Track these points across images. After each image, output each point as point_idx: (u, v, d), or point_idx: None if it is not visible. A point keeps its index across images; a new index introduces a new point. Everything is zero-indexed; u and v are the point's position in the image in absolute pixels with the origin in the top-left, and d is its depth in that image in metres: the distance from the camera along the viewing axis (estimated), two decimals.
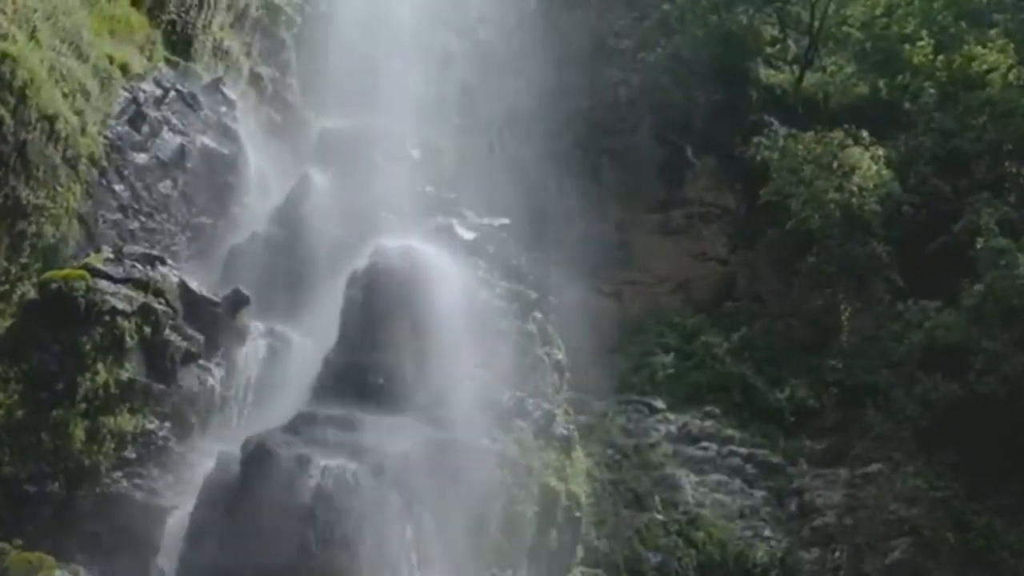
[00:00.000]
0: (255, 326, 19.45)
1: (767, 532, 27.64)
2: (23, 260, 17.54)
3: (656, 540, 25.81)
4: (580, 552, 20.88)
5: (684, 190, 36.89)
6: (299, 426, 16.13)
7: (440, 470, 16.24)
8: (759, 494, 28.79)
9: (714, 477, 28.82)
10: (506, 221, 22.34)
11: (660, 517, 26.50)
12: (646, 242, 36.46)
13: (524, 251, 30.12)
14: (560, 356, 22.34)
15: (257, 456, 15.54)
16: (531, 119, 35.13)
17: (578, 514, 20.13)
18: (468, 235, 20.08)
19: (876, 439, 29.73)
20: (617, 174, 36.25)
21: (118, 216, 19.69)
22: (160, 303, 17.55)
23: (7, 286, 17.27)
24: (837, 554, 27.32)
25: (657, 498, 27.10)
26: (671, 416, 31.13)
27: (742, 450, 30.15)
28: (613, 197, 36.28)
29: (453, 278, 18.59)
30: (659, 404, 31.52)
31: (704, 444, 30.20)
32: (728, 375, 32.51)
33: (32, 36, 17.95)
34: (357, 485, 14.99)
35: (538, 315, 21.39)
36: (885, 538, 27.27)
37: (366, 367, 17.13)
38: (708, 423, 31.01)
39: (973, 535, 26.52)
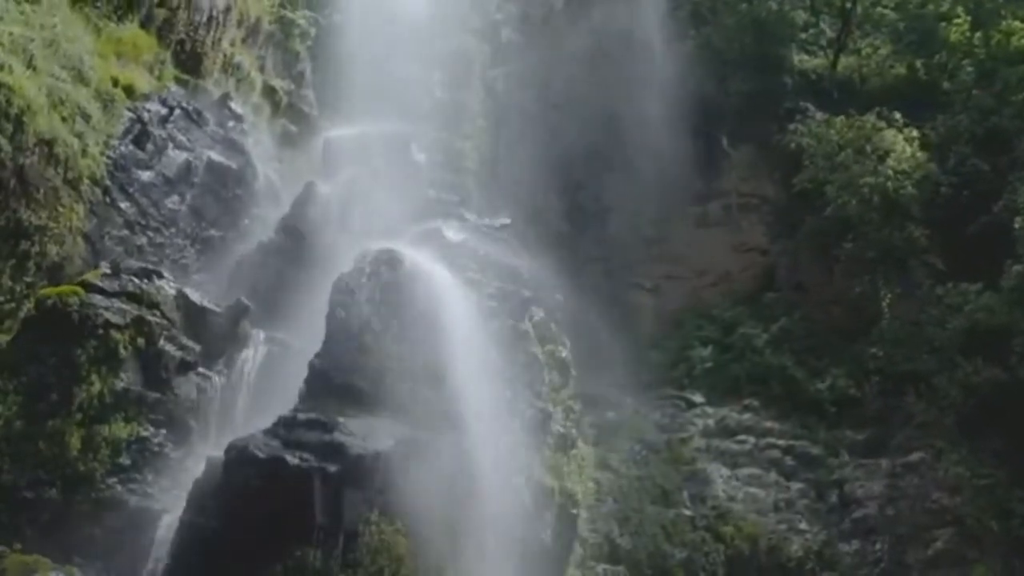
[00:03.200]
0: (256, 333, 20.04)
1: (803, 525, 27.18)
2: (28, 279, 18.41)
3: (682, 536, 25.59)
4: (578, 549, 20.85)
5: (721, 181, 36.43)
6: (280, 429, 16.57)
7: (416, 469, 16.54)
8: (796, 487, 28.34)
9: (747, 471, 28.44)
10: (507, 221, 22.45)
11: (688, 512, 26.29)
12: (684, 235, 36.12)
13: (548, 250, 30.45)
14: (564, 354, 22.41)
15: (237, 459, 16.04)
16: (561, 117, 35.28)
17: (574, 511, 20.14)
18: (457, 237, 20.26)
19: (918, 427, 29.02)
20: (653, 168, 35.84)
21: (124, 232, 20.49)
22: (154, 315, 18.32)
23: (13, 304, 18.15)
24: (878, 546, 26.78)
25: (686, 493, 26.88)
26: (709, 410, 30.83)
27: (781, 442, 29.69)
28: (650, 192, 35.94)
29: (437, 281, 18.82)
30: (697, 398, 31.25)
31: (741, 437, 29.85)
32: (768, 367, 32.02)
33: (30, 64, 18.80)
34: (323, 485, 15.36)
35: (538, 314, 21.49)
36: (927, 528, 26.61)
37: (348, 370, 17.52)
38: (746, 416, 30.63)
39: (1017, 523, 25.67)
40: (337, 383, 17.48)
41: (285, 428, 16.60)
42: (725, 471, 28.27)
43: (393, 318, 18.02)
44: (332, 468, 15.89)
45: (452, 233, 20.38)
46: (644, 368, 32.88)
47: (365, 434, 16.50)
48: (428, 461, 16.82)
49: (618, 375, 31.92)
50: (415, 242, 19.86)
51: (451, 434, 17.52)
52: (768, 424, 30.33)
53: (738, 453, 29.24)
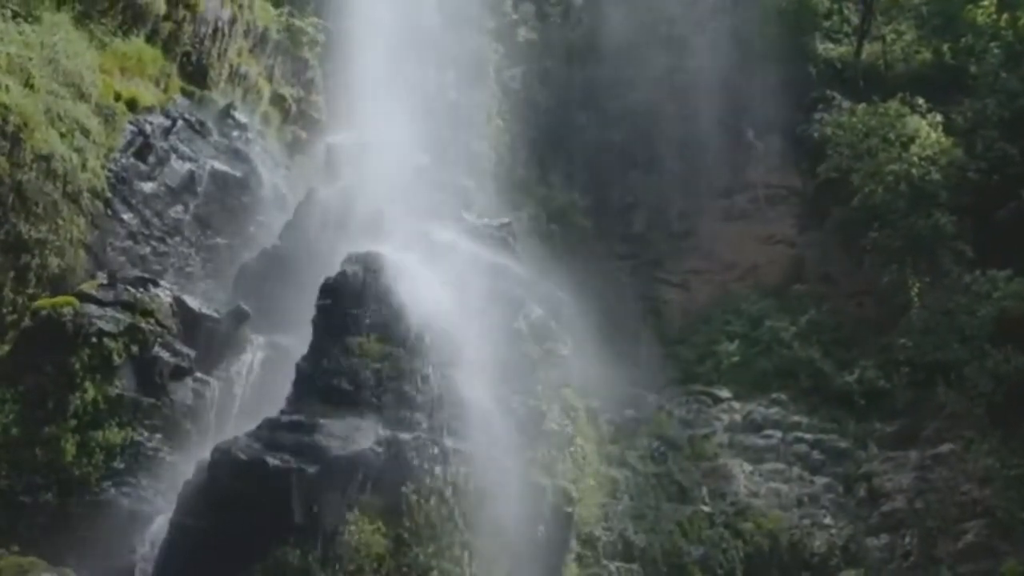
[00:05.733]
0: (255, 338, 20.39)
1: (827, 520, 26.81)
2: (29, 291, 18.96)
3: (700, 533, 25.37)
4: (574, 546, 20.77)
5: (747, 173, 36.11)
6: (264, 431, 16.87)
7: (398, 469, 16.71)
8: (820, 481, 27.95)
9: (769, 466, 28.12)
10: (507, 220, 22.46)
11: (706, 509, 26.06)
12: (711, 229, 35.89)
13: (573, 247, 30.45)
14: (565, 352, 22.32)
15: (221, 461, 16.37)
16: (582, 114, 35.27)
17: (568, 509, 20.07)
18: (447, 238, 20.36)
19: (948, 418, 28.42)
20: (679, 162, 35.78)
21: (128, 243, 21.02)
22: (148, 322, 18.75)
23: (15, 315, 18.70)
24: (907, 539, 26.33)
25: (704, 490, 26.66)
26: (736, 405, 30.55)
27: (808, 436, 29.31)
28: (676, 186, 35.87)
29: (421, 282, 18.93)
30: (724, 393, 30.96)
31: (767, 432, 29.50)
32: (795, 360, 31.65)
33: (27, 83, 19.36)
34: (301, 486, 15.61)
35: (536, 312, 21.47)
36: (957, 521, 26.10)
37: (333, 372, 17.75)
38: (774, 410, 30.28)
39: None
40: (322, 385, 17.73)
41: (268, 430, 16.91)
42: (747, 467, 27.96)
43: (376, 320, 18.20)
44: (311, 469, 16.15)
45: (445, 234, 20.48)
46: (671, 364, 32.76)
47: (346, 435, 16.71)
48: (407, 461, 16.98)
49: (644, 371, 31.84)
50: (404, 244, 20.01)
51: (437, 433, 17.63)
52: (796, 418, 29.96)
53: (763, 448, 28.92)
